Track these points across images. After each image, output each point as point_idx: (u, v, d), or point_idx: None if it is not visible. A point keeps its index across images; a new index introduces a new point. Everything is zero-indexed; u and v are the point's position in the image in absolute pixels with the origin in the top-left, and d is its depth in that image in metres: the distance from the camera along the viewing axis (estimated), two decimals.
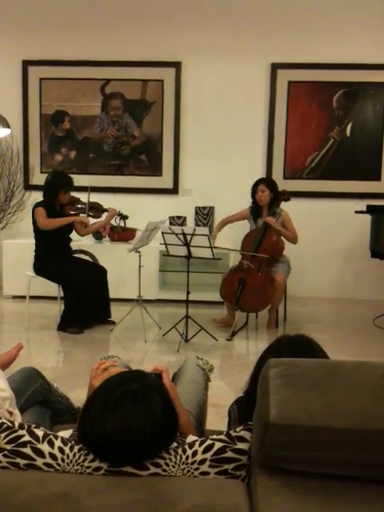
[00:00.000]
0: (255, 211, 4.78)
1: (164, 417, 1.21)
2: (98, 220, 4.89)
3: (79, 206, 4.83)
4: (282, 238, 4.69)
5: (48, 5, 5.63)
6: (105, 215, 4.87)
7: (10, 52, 5.72)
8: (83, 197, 4.79)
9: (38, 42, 5.69)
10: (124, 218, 5.15)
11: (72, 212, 4.72)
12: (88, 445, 1.22)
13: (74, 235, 4.76)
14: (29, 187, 5.78)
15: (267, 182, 4.76)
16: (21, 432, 1.24)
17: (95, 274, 4.66)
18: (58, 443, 1.23)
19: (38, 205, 4.51)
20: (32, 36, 5.69)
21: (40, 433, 1.25)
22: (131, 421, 1.17)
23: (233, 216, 4.91)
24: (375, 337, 4.48)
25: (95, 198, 4.94)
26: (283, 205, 4.78)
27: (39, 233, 4.52)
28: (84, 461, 1.21)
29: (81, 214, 4.76)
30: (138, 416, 1.18)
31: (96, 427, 1.18)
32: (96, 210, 4.88)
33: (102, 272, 4.71)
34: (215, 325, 4.65)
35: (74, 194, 4.72)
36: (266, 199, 4.68)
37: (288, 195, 4.79)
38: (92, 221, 4.78)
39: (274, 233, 4.60)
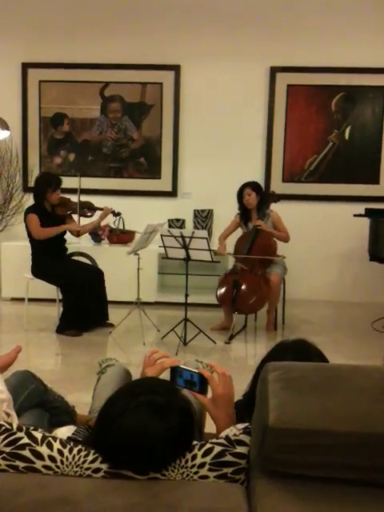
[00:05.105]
0: (244, 215, 4.82)
1: (176, 437, 1.20)
2: (91, 220, 4.85)
3: (70, 206, 4.73)
4: (275, 238, 4.72)
5: (48, 8, 5.63)
6: (98, 214, 4.79)
7: (9, 54, 5.72)
8: (75, 197, 4.68)
9: (37, 44, 5.69)
10: (117, 215, 5.09)
11: (63, 213, 4.67)
12: (99, 440, 1.22)
13: (71, 237, 4.77)
14: (28, 189, 5.76)
15: (252, 185, 4.78)
16: (19, 434, 1.24)
17: (93, 277, 4.64)
18: (56, 445, 1.23)
19: (28, 210, 4.52)
20: (32, 39, 5.69)
21: (38, 435, 1.25)
22: (144, 430, 1.17)
23: (228, 229, 4.95)
24: (373, 339, 4.48)
25: (94, 200, 4.92)
26: (276, 206, 4.82)
27: (32, 236, 4.52)
28: (83, 462, 1.21)
29: (73, 215, 4.72)
30: (151, 428, 1.17)
31: (113, 423, 1.19)
32: (88, 209, 4.82)
33: (99, 274, 4.70)
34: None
35: (69, 195, 4.70)
36: (254, 202, 4.72)
37: (277, 197, 4.85)
38: (84, 221, 4.76)
39: (264, 234, 4.63)
